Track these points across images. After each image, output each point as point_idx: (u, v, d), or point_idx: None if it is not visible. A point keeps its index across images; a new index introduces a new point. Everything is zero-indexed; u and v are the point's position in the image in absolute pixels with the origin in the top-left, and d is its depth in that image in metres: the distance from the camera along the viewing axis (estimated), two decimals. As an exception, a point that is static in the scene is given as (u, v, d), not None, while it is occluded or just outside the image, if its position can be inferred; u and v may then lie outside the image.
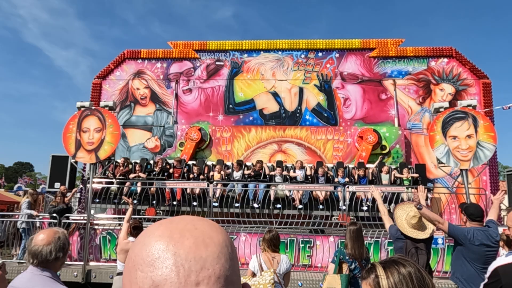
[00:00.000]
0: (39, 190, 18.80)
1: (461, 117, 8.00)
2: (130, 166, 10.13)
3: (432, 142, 8.10)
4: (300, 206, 9.18)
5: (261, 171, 9.61)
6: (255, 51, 11.81)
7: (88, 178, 8.82)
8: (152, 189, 9.53)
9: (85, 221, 8.26)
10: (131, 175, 9.87)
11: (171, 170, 9.97)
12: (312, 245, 8.12)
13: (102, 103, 9.39)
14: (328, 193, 9.22)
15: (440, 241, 7.12)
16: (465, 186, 7.82)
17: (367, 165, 9.83)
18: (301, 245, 8.02)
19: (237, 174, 9.70)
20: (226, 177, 9.64)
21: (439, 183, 10.51)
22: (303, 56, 11.69)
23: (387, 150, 10.45)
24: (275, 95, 11.52)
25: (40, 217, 9.08)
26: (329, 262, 7.70)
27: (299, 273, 7.60)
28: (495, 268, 2.35)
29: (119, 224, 9.00)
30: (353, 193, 9.10)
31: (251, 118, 11.47)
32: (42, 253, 1.96)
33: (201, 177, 9.75)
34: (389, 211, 5.14)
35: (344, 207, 8.94)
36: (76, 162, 9.90)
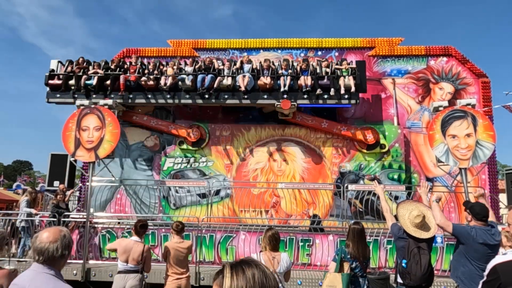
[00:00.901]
0: (38, 188, 18.80)
1: (460, 116, 8.02)
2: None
3: (432, 141, 8.12)
4: (246, 96, 9.96)
5: (210, 65, 10.39)
6: (254, 50, 11.81)
7: (88, 176, 8.82)
8: (108, 82, 10.17)
9: (84, 220, 8.27)
10: (90, 72, 10.35)
11: (126, 66, 10.57)
12: (311, 243, 8.15)
13: (101, 102, 9.39)
14: (272, 82, 9.91)
15: (439, 239, 7.14)
16: (464, 185, 7.84)
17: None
18: (301, 244, 8.05)
19: (189, 69, 10.34)
20: (177, 71, 10.29)
21: (438, 181, 10.54)
22: (302, 54, 11.68)
23: (386, 149, 10.47)
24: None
25: (40, 215, 9.09)
26: (328, 260, 7.73)
27: (298, 272, 7.63)
28: (494, 265, 2.36)
29: (119, 223, 9.02)
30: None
31: (250, 116, 11.46)
32: (48, 250, 1.97)
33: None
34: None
35: (285, 91, 9.75)
36: (75, 161, 9.90)
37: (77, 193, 11.38)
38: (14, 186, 30.74)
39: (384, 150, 10.48)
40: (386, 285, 6.62)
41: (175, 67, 10.37)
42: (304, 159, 10.70)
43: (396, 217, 4.13)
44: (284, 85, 9.78)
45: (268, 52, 11.74)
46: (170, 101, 10.32)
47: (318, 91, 9.72)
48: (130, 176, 11.12)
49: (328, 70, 10.09)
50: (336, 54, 11.60)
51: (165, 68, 10.48)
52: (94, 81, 10.09)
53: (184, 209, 10.53)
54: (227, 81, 10.03)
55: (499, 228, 6.91)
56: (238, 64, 10.38)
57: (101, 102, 9.31)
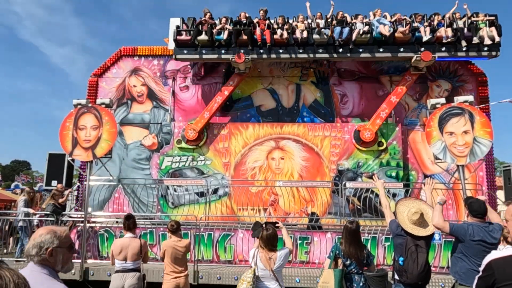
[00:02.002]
0: (36, 188, 18.77)
1: (458, 113, 8.03)
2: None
3: (429, 138, 8.13)
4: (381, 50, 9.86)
5: (343, 18, 10.24)
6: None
7: (85, 175, 8.81)
8: (243, 37, 9.93)
9: (82, 219, 8.26)
10: (218, 27, 10.12)
11: (255, 21, 10.36)
12: (309, 241, 8.16)
13: (98, 101, 9.37)
14: (410, 34, 9.70)
15: (437, 236, 7.15)
16: (462, 182, 7.86)
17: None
18: (299, 242, 8.05)
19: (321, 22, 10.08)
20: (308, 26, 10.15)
21: (436, 179, 10.52)
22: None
23: (384, 146, 10.48)
24: (272, 92, 11.52)
25: (38, 215, 9.08)
26: (326, 257, 7.74)
27: (297, 270, 7.64)
28: (489, 261, 2.37)
29: (117, 222, 9.01)
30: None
31: (248, 115, 11.46)
32: (28, 249, 2.01)
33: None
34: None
35: (426, 41, 9.59)
36: (73, 160, 9.88)
37: (75, 193, 11.37)
38: (12, 186, 30.69)
39: (382, 148, 10.49)
40: (384, 282, 6.64)
41: (305, 22, 10.15)
42: (302, 157, 10.70)
43: (395, 214, 4.12)
44: (425, 35, 9.52)
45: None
46: (303, 55, 10.08)
47: (463, 43, 9.45)
48: (128, 175, 11.10)
49: (464, 21, 9.84)
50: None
51: (295, 23, 10.23)
52: (224, 36, 9.91)
53: (182, 208, 10.53)
54: (364, 33, 9.69)
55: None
56: (371, 17, 10.15)
57: (98, 101, 9.28)
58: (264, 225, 4.37)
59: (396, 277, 3.91)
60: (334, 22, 10.03)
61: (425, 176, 10.51)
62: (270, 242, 3.96)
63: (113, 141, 8.63)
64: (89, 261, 8.16)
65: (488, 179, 10.53)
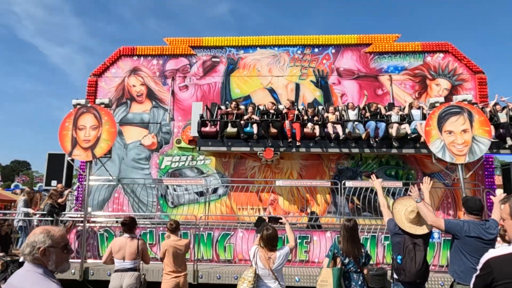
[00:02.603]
0: (36, 188, 18.78)
1: (457, 112, 8.03)
2: (242, 108, 10.04)
3: (428, 137, 8.14)
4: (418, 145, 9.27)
5: (377, 111, 9.70)
6: (251, 47, 11.79)
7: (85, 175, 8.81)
8: (272, 130, 9.45)
9: (82, 219, 8.27)
10: (245, 117, 9.64)
11: (284, 111, 9.84)
12: (309, 240, 8.17)
13: (98, 101, 9.36)
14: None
15: (436, 235, 7.18)
16: (461, 180, 7.87)
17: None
18: (298, 241, 8.06)
19: (352, 113, 9.69)
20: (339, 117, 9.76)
21: (435, 177, 10.56)
22: (299, 52, 11.68)
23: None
24: (272, 91, 11.52)
25: (37, 215, 9.09)
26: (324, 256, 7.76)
27: (296, 269, 7.65)
28: (487, 259, 2.37)
29: (117, 222, 9.02)
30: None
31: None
32: (23, 249, 2.02)
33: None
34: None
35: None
36: (72, 160, 9.88)
37: (75, 193, 11.37)
38: (12, 186, 30.71)
39: (381, 147, 10.48)
40: (383, 281, 6.66)
41: (336, 113, 9.70)
42: (301, 156, 10.70)
43: (393, 213, 4.12)
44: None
45: (265, 50, 11.72)
46: (334, 150, 9.61)
47: (508, 140, 8.87)
48: (128, 175, 11.11)
49: (506, 114, 9.21)
50: (333, 51, 11.60)
51: (326, 114, 9.75)
52: (254, 130, 9.39)
53: (182, 207, 10.54)
54: (404, 129, 9.13)
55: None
56: (406, 110, 9.61)
57: (98, 101, 9.27)
58: (267, 220, 4.41)
59: (395, 276, 3.91)
60: (368, 114, 9.64)
61: (424, 175, 10.52)
62: (270, 242, 3.99)
63: (113, 141, 8.63)
64: (89, 260, 8.17)
65: (487, 177, 10.54)
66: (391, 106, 10.06)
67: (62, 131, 8.60)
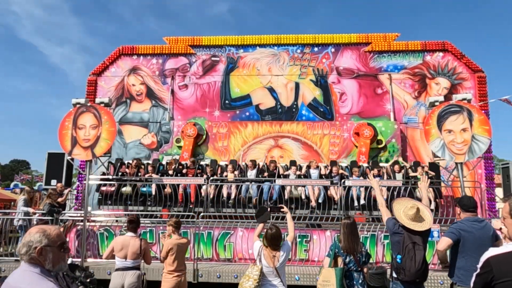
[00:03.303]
0: (36, 187, 18.79)
1: (456, 111, 8.04)
2: (143, 167, 9.88)
3: (428, 136, 8.15)
4: (314, 204, 9.01)
5: (275, 171, 9.44)
6: (250, 47, 11.80)
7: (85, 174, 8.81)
8: (166, 189, 9.26)
9: (82, 218, 8.27)
10: (146, 175, 9.57)
11: (184, 171, 9.70)
12: (309, 239, 8.17)
13: (97, 100, 9.36)
14: (344, 192, 8.94)
15: (435, 234, 7.17)
16: (460, 179, 7.87)
17: (381, 164, 9.74)
18: (298, 240, 8.06)
19: (251, 173, 9.50)
20: (240, 176, 9.41)
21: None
22: (299, 51, 11.68)
23: (383, 144, 10.49)
24: (271, 90, 11.53)
25: (37, 214, 9.08)
26: (325, 256, 7.76)
27: (296, 267, 7.65)
28: (487, 258, 2.37)
29: (116, 221, 9.01)
30: (369, 191, 8.98)
31: (247, 113, 11.48)
32: (19, 249, 2.01)
33: (215, 176, 9.51)
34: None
35: (358, 205, 8.90)
36: (72, 159, 9.88)
37: (75, 192, 11.37)
38: (11, 186, 30.69)
39: (381, 146, 10.50)
40: (383, 279, 6.67)
41: (236, 172, 9.59)
42: (301, 155, 10.71)
43: (392, 213, 4.14)
44: (358, 199, 8.97)
45: (265, 49, 11.73)
46: (231, 210, 9.05)
47: None
48: (128, 174, 11.09)
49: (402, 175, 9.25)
50: (333, 50, 11.61)
51: (225, 173, 9.60)
52: (152, 190, 9.32)
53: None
54: (297, 191, 9.19)
55: (495, 221, 6.93)
56: (304, 170, 9.62)
57: (97, 100, 9.27)
58: (269, 209, 4.43)
59: (394, 275, 3.91)
60: (266, 173, 9.46)
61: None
62: (274, 242, 4.04)
63: (112, 140, 8.63)
64: (89, 260, 8.16)
65: (486, 176, 10.55)
66: (292, 163, 9.83)
67: (61, 131, 8.59)
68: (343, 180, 9.46)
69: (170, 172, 9.69)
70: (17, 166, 62.01)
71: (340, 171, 9.46)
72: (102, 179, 9.98)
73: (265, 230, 4.20)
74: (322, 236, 8.18)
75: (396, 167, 9.35)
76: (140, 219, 9.66)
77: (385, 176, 9.23)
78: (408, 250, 3.72)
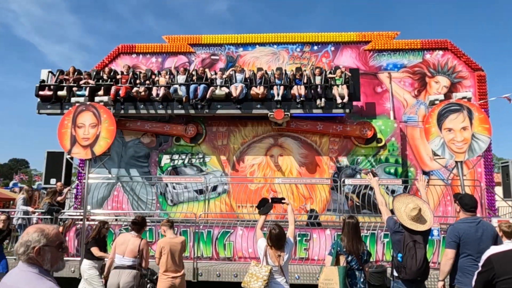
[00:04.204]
0: (35, 186, 18.76)
1: (456, 110, 8.03)
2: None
3: (428, 134, 8.14)
4: (238, 106, 10.02)
5: (202, 74, 10.25)
6: (250, 45, 11.77)
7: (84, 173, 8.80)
8: (99, 92, 10.03)
9: (81, 217, 8.25)
10: (81, 82, 10.20)
11: (118, 76, 10.51)
12: (308, 238, 8.17)
13: (97, 99, 9.34)
14: (265, 91, 9.88)
15: (435, 232, 7.17)
16: (460, 178, 7.87)
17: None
18: (298, 238, 8.06)
19: (181, 78, 10.19)
20: (170, 81, 10.23)
21: (435, 175, 10.58)
22: (298, 49, 11.66)
23: (383, 143, 10.49)
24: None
25: (36, 213, 9.07)
26: (325, 254, 7.76)
27: (296, 266, 7.65)
28: (488, 256, 2.38)
29: (116, 220, 9.01)
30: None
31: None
32: (17, 249, 1.98)
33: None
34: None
35: (279, 100, 9.76)
36: (71, 158, 9.86)
37: (74, 191, 11.35)
38: (10, 185, 30.68)
39: (380, 144, 10.50)
40: (383, 278, 6.67)
41: (167, 77, 10.28)
42: (301, 154, 10.71)
43: (392, 211, 4.13)
44: (278, 95, 9.74)
45: (264, 47, 11.71)
46: (162, 111, 10.29)
47: (319, 102, 9.71)
48: (127, 173, 11.10)
49: (321, 78, 9.97)
50: (332, 48, 11.59)
51: (157, 78, 10.37)
52: (86, 92, 9.93)
53: (181, 205, 10.54)
54: (220, 91, 9.94)
55: (494, 220, 6.93)
56: (230, 73, 10.25)
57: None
58: (270, 201, 4.43)
59: (395, 273, 3.91)
60: (194, 77, 10.13)
61: (424, 173, 10.54)
62: (278, 242, 4.06)
63: (112, 139, 8.62)
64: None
65: (486, 175, 10.56)
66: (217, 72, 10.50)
67: (61, 129, 8.58)
68: (343, 180, 9.46)
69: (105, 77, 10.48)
70: (16, 165, 61.93)
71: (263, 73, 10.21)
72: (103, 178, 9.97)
73: (267, 230, 4.20)
74: (322, 235, 8.18)
75: (317, 71, 10.05)
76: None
77: (305, 79, 10.06)
78: (409, 248, 3.71)
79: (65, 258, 2.18)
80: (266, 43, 11.72)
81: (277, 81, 9.99)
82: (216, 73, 10.38)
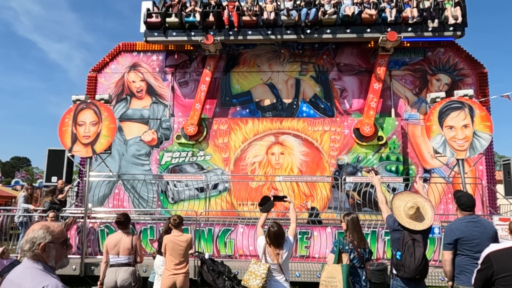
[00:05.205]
0: (36, 184, 18.81)
1: (458, 107, 8.01)
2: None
3: (429, 132, 8.12)
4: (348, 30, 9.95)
5: None
6: (251, 43, 11.74)
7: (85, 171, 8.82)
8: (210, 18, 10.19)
9: (82, 215, 8.28)
10: (187, 10, 10.23)
11: (224, 3, 10.46)
12: (309, 236, 8.18)
13: (97, 96, 9.34)
14: (377, 14, 9.80)
15: (436, 230, 7.17)
16: (462, 176, 7.86)
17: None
18: (299, 236, 8.07)
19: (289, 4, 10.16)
20: (277, 7, 10.30)
21: (436, 173, 10.56)
22: (299, 47, 11.63)
23: (384, 141, 10.48)
24: (272, 87, 11.50)
25: (38, 211, 9.10)
26: (327, 252, 7.76)
27: (297, 264, 7.66)
28: (487, 254, 2.38)
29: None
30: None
31: (247, 110, 11.45)
32: (22, 245, 2.02)
33: None
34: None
35: (391, 22, 9.78)
36: (72, 156, 9.88)
37: (75, 189, 11.38)
38: (12, 183, 30.74)
39: (381, 142, 10.49)
40: (384, 276, 6.66)
41: (274, 3, 10.23)
42: (301, 152, 10.70)
43: (392, 209, 4.12)
44: (391, 16, 9.67)
45: (265, 45, 11.65)
46: (272, 37, 10.28)
47: (430, 22, 9.62)
48: (128, 171, 11.12)
49: (430, 1, 9.92)
50: (333, 46, 11.54)
51: (264, 5, 10.29)
52: (197, 18, 10.06)
53: (182, 203, 10.55)
54: (330, 17, 9.81)
55: (496, 218, 6.92)
56: None
57: (97, 97, 9.26)
58: (272, 199, 4.44)
59: (394, 271, 3.91)
60: (302, 3, 10.11)
61: (425, 171, 10.53)
62: (277, 240, 4.06)
63: (113, 137, 8.63)
64: (89, 256, 8.18)
65: (488, 173, 10.53)
66: None
67: (62, 127, 8.58)
68: (344, 177, 9.46)
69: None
70: (18, 163, 62.11)
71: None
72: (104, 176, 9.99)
73: (267, 227, 4.20)
74: (322, 232, 8.19)
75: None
76: (141, 215, 9.71)
77: None
78: (407, 246, 3.71)
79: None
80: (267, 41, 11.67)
81: (386, 4, 9.93)
82: None
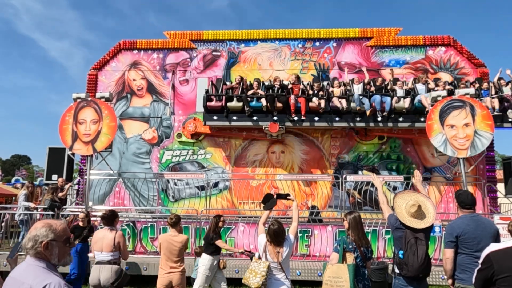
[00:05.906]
0: (37, 182, 18.81)
1: (459, 106, 8.00)
2: (248, 83, 10.21)
3: (430, 131, 8.11)
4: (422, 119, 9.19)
5: (382, 84, 9.71)
6: (252, 41, 11.72)
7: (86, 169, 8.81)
8: (277, 104, 9.53)
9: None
10: (249, 92, 9.74)
11: (289, 86, 9.88)
12: (310, 234, 8.18)
13: (98, 95, 9.34)
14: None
15: (437, 229, 7.17)
16: (462, 174, 7.86)
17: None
18: (299, 235, 8.07)
19: (357, 87, 9.74)
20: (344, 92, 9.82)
21: (437, 172, 10.55)
22: (300, 45, 11.61)
23: (385, 139, 10.46)
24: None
25: (39, 209, 9.10)
26: (327, 251, 7.76)
27: (297, 262, 7.67)
28: (488, 254, 2.37)
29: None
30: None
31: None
32: (25, 243, 2.01)
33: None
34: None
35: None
36: (73, 154, 9.87)
37: (76, 187, 11.38)
38: (13, 181, 30.77)
39: (382, 141, 10.47)
40: (385, 275, 6.67)
41: (342, 87, 9.77)
42: (302, 151, 10.69)
43: (393, 208, 4.11)
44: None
45: (266, 43, 11.66)
46: (341, 124, 9.73)
47: (510, 114, 8.91)
48: (129, 169, 11.11)
49: (509, 88, 9.26)
50: (334, 44, 11.53)
51: (331, 89, 9.82)
52: (263, 103, 9.50)
53: (183, 202, 10.55)
54: (404, 103, 9.26)
55: (497, 217, 6.91)
56: (410, 85, 9.69)
57: (98, 95, 9.25)
58: (275, 197, 4.44)
59: (396, 270, 3.89)
60: (372, 88, 9.67)
61: (426, 169, 10.52)
62: (277, 238, 4.06)
63: (113, 135, 8.62)
64: (89, 254, 8.17)
65: (488, 172, 10.52)
66: (395, 81, 10.04)
67: (62, 125, 8.58)
68: (344, 176, 9.45)
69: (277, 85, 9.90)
70: (18, 161, 62.13)
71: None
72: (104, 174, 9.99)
73: (267, 225, 4.20)
74: (323, 231, 8.18)
75: (502, 82, 9.42)
76: (141, 214, 9.70)
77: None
78: (410, 245, 3.69)
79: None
80: (267, 39, 11.66)
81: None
82: (395, 83, 9.82)
